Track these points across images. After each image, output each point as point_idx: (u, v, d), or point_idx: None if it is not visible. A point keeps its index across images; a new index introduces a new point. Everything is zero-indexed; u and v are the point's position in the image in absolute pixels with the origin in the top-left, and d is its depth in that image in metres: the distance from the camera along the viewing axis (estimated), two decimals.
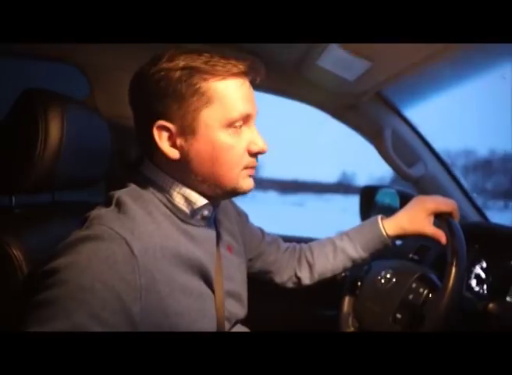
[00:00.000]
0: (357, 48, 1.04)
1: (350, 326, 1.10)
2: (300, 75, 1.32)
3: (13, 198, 0.83)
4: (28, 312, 0.58)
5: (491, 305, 0.93)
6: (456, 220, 0.96)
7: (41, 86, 0.82)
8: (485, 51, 1.04)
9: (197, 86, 0.69)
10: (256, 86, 0.78)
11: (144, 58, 0.74)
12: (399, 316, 0.95)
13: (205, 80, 0.70)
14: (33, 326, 0.56)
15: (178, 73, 0.69)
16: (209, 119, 0.70)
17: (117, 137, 1.07)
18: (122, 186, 0.75)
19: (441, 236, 0.95)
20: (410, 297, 0.93)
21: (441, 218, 0.97)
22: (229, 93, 0.71)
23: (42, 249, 0.74)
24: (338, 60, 1.12)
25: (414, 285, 0.95)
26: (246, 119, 0.74)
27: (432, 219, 0.99)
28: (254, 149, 0.75)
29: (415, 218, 0.99)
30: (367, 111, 1.45)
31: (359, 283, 1.11)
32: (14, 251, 0.71)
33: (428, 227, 0.98)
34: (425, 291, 0.92)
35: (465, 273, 0.86)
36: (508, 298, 1.02)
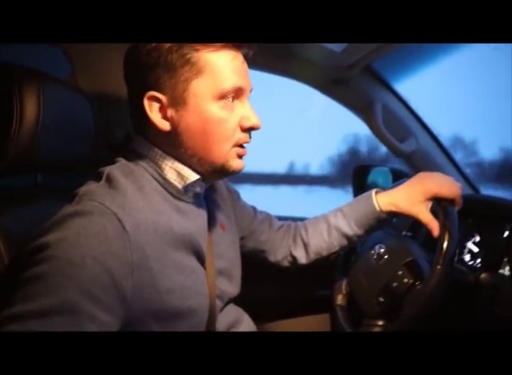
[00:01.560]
0: None
1: (342, 290, 1.11)
2: (286, 49, 1.29)
3: None
4: (16, 288, 0.57)
5: (482, 276, 0.93)
6: (455, 210, 0.90)
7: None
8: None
9: (188, 56, 0.69)
10: (248, 63, 0.77)
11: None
12: (381, 299, 0.94)
13: (196, 50, 0.69)
14: (21, 303, 0.55)
15: (169, 44, 0.68)
16: (200, 89, 0.70)
17: (100, 118, 1.05)
18: (110, 164, 0.73)
19: (434, 227, 0.88)
20: (394, 285, 0.92)
21: (439, 205, 0.91)
22: (220, 64, 0.70)
23: (22, 231, 0.72)
24: None
25: (400, 272, 0.92)
26: (238, 92, 0.73)
27: (430, 203, 0.92)
28: (247, 124, 0.74)
29: (412, 199, 0.92)
30: (356, 85, 1.43)
31: (355, 254, 1.12)
32: None
33: (423, 213, 0.91)
34: (410, 282, 0.90)
35: (451, 272, 0.83)
36: (501, 271, 1.02)
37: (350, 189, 1.53)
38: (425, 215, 0.91)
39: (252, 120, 0.74)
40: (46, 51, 1.20)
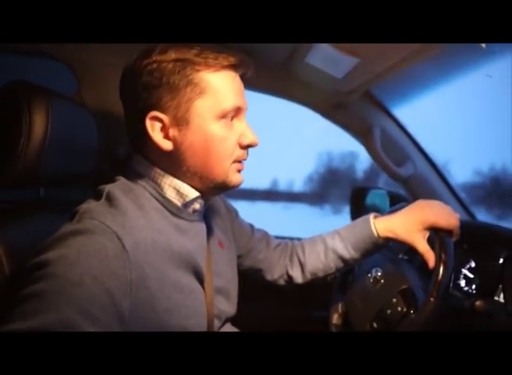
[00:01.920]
0: (344, 45, 1.04)
1: (338, 309, 1.11)
2: (288, 73, 1.32)
3: None
4: (15, 305, 0.57)
5: (478, 303, 0.93)
6: (451, 242, 0.89)
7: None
8: (469, 49, 1.04)
9: (191, 77, 0.70)
10: (245, 83, 0.79)
11: (131, 55, 0.74)
12: (375, 325, 0.95)
13: (198, 71, 0.71)
14: (20, 320, 0.55)
15: (171, 65, 0.70)
16: (202, 109, 0.71)
17: (104, 134, 1.06)
18: (111, 181, 0.74)
19: (430, 259, 0.87)
20: (388, 312, 0.92)
21: (437, 236, 0.90)
22: (221, 84, 0.72)
23: (25, 245, 0.72)
24: (326, 57, 1.12)
25: (394, 300, 0.93)
26: (237, 111, 0.75)
27: (427, 233, 0.92)
28: (245, 142, 0.76)
29: (410, 227, 0.92)
30: (356, 109, 1.45)
31: (352, 275, 1.12)
32: None
33: (420, 242, 0.91)
34: (403, 310, 0.90)
35: (443, 303, 0.83)
36: (495, 298, 1.02)
37: (328, 207, 1.56)
38: (422, 245, 0.91)
39: (250, 138, 0.76)
40: (52, 68, 1.23)
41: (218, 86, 0.72)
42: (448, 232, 0.90)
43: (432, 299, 0.81)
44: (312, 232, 1.10)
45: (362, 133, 1.49)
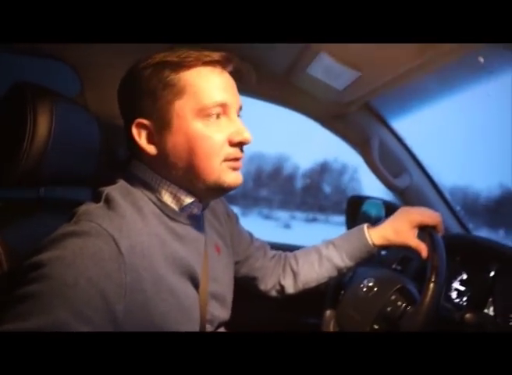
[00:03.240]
0: (346, 57, 1.06)
1: (330, 329, 1.10)
2: (289, 82, 1.33)
3: None
4: (9, 305, 0.57)
5: (468, 316, 0.94)
6: (439, 234, 0.96)
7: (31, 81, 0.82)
8: (471, 65, 1.06)
9: (168, 78, 0.71)
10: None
11: (134, 56, 0.75)
12: (376, 326, 0.95)
13: (176, 71, 0.71)
14: (14, 321, 0.55)
15: (150, 70, 0.71)
16: (181, 109, 0.71)
17: (106, 136, 1.07)
18: (110, 184, 0.74)
19: (423, 249, 0.95)
20: (388, 309, 0.94)
21: (425, 231, 0.98)
22: (200, 81, 0.72)
23: (25, 244, 0.73)
24: (327, 69, 1.13)
25: (393, 297, 0.95)
26: (223, 108, 0.73)
27: (416, 231, 0.99)
28: (236, 139, 0.74)
29: (400, 229, 0.99)
30: (355, 120, 1.47)
31: (342, 290, 1.11)
32: None
33: (411, 240, 0.98)
34: (403, 305, 0.93)
35: (443, 289, 0.86)
36: (486, 310, 1.04)
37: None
38: (413, 240, 0.98)
39: (242, 135, 0.74)
40: (55, 69, 1.24)
41: (196, 83, 0.71)
42: (433, 227, 0.98)
43: (431, 284, 0.84)
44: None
45: (360, 144, 1.50)
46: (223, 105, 0.73)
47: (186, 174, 0.74)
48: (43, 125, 0.77)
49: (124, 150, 1.20)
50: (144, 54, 0.74)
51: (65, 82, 1.23)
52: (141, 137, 0.73)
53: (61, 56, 1.20)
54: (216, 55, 0.72)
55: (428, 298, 0.83)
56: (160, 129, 0.72)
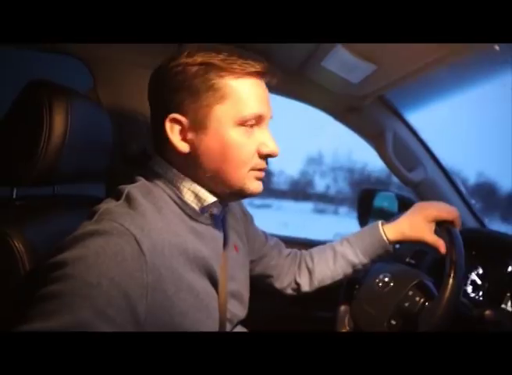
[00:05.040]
0: (362, 51, 1.04)
1: (346, 325, 1.11)
2: (304, 76, 1.32)
3: (15, 190, 0.83)
4: (33, 304, 0.57)
5: (487, 312, 0.93)
6: (457, 229, 0.95)
7: (44, 77, 0.82)
8: (486, 58, 1.04)
9: (213, 82, 0.70)
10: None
11: (146, 52, 0.74)
12: (393, 322, 0.95)
13: (221, 76, 0.70)
14: (38, 320, 0.55)
15: (195, 68, 0.70)
16: (221, 115, 0.71)
17: (119, 131, 1.07)
18: (126, 180, 0.74)
19: (441, 245, 0.94)
20: (406, 304, 0.93)
21: (442, 226, 0.96)
22: (243, 91, 0.71)
23: (43, 241, 0.74)
24: (343, 62, 1.12)
25: (410, 293, 0.94)
26: (258, 119, 0.74)
27: (433, 226, 0.98)
28: (265, 151, 0.75)
29: (416, 224, 0.98)
30: (369, 114, 1.45)
31: (357, 286, 1.11)
32: (15, 243, 0.70)
33: (428, 235, 0.97)
34: (421, 300, 0.92)
35: (462, 283, 0.86)
36: (503, 305, 1.03)
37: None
38: (431, 236, 0.97)
39: (270, 147, 0.75)
40: (67, 64, 1.24)
41: (240, 93, 0.71)
42: (451, 222, 0.96)
43: (450, 279, 0.84)
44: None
45: (374, 137, 1.49)
46: (259, 117, 0.74)
47: (212, 177, 0.74)
48: (59, 123, 0.77)
49: (136, 145, 1.21)
50: (163, 49, 0.73)
51: (77, 77, 1.23)
52: (174, 133, 0.72)
53: (72, 51, 1.20)
54: (259, 67, 0.72)
55: (447, 293, 0.83)
56: (195, 128, 0.72)
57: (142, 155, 0.80)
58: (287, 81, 1.34)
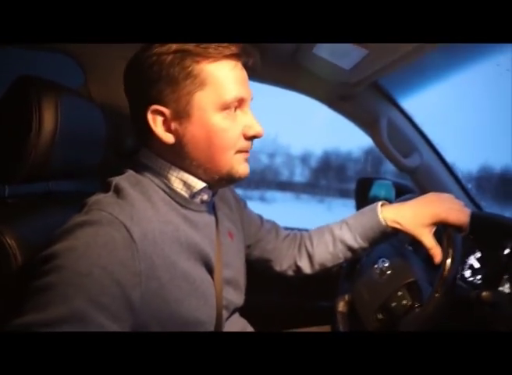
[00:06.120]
0: None
1: (345, 297, 1.11)
2: (296, 64, 1.31)
3: (7, 188, 0.82)
4: (26, 298, 0.58)
5: (484, 294, 0.93)
6: (460, 236, 0.87)
7: (34, 74, 0.81)
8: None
9: (190, 68, 0.70)
10: (252, 75, 0.78)
11: (138, 47, 0.74)
12: (380, 316, 0.95)
13: (197, 62, 0.70)
14: (32, 312, 0.56)
15: (170, 57, 0.69)
16: (203, 102, 0.71)
17: (111, 126, 1.07)
18: (118, 174, 0.74)
19: (436, 254, 0.87)
20: (393, 305, 0.93)
21: (445, 231, 0.88)
22: (221, 75, 0.71)
23: (36, 238, 0.73)
24: (334, 49, 1.11)
25: (399, 293, 0.93)
26: (240, 102, 0.74)
27: (434, 228, 0.90)
28: (250, 133, 0.76)
29: (418, 220, 0.90)
30: (363, 100, 1.44)
31: (358, 266, 1.12)
32: (8, 240, 0.70)
33: (426, 237, 0.89)
34: (408, 304, 0.90)
35: (449, 299, 0.82)
36: (500, 288, 1.03)
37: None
38: (428, 239, 0.89)
39: (255, 129, 0.76)
40: (58, 61, 1.23)
41: (218, 77, 0.71)
42: (457, 228, 0.88)
43: (437, 295, 0.81)
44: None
45: (369, 124, 1.48)
46: (240, 99, 0.74)
47: (200, 163, 0.74)
48: (49, 119, 0.76)
49: (130, 140, 1.20)
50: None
51: (68, 74, 1.23)
52: (157, 125, 0.72)
53: (63, 48, 1.19)
54: (235, 48, 0.72)
55: (430, 309, 0.82)
56: (178, 118, 0.72)
57: (136, 150, 0.80)
58: (280, 70, 1.34)
